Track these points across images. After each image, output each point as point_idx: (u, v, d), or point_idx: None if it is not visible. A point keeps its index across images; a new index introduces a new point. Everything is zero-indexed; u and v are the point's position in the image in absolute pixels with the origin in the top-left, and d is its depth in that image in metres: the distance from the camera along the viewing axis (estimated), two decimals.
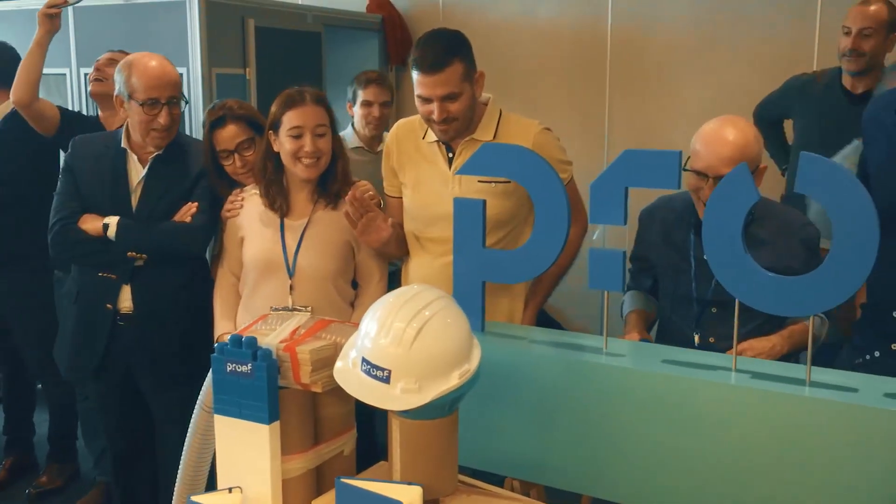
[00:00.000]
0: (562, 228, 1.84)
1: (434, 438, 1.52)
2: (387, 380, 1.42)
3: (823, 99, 3.17)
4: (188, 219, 2.54)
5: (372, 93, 3.41)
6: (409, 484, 1.39)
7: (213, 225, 2.56)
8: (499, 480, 1.90)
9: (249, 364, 1.47)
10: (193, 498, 1.46)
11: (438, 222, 2.32)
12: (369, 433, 2.54)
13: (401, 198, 2.47)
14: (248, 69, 3.61)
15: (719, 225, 1.67)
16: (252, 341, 1.49)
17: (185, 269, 2.61)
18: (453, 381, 1.44)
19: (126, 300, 2.57)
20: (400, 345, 1.41)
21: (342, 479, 1.40)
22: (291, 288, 2.36)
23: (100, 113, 3.28)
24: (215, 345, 1.52)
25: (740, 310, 2.14)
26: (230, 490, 1.50)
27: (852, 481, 1.53)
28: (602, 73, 4.41)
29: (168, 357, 2.58)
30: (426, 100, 2.21)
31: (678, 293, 2.20)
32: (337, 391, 1.61)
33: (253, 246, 2.41)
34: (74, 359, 2.68)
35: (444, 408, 1.50)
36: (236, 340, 1.50)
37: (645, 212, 2.37)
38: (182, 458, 1.71)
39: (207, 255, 2.68)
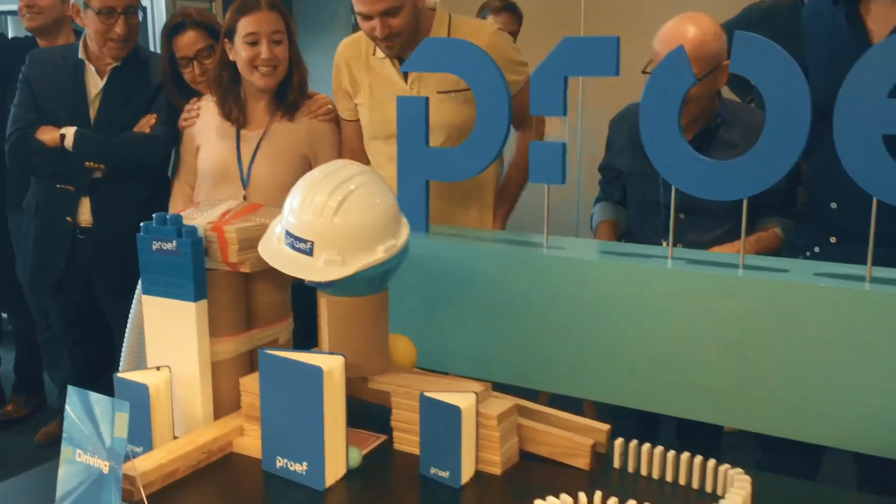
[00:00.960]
0: (502, 125, 1.83)
1: (362, 316, 1.51)
2: (310, 252, 1.41)
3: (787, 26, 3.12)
4: (147, 130, 2.52)
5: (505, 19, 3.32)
6: (332, 354, 1.39)
7: (172, 137, 2.54)
8: None
9: (174, 241, 1.46)
10: (119, 374, 1.45)
11: None
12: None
13: (357, 121, 2.43)
14: None
15: (656, 110, 1.66)
16: (177, 219, 1.48)
17: (144, 182, 2.60)
18: (378, 254, 1.43)
19: (85, 213, 2.57)
20: (322, 216, 1.40)
21: (264, 350, 1.39)
22: (245, 199, 2.34)
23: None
24: (141, 224, 1.51)
25: (707, 216, 2.14)
26: (158, 368, 1.49)
27: (784, 355, 1.54)
28: None
29: (127, 271, 2.56)
30: (366, 16, 2.15)
31: (646, 200, 2.19)
32: (271, 279, 1.61)
33: (208, 156, 2.39)
34: (35, 273, 2.67)
35: (371, 284, 1.49)
36: (161, 219, 1.48)
37: (614, 120, 2.35)
38: (122, 349, 1.72)
39: (170, 173, 2.66)
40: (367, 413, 1.54)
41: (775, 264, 1.66)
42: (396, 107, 1.94)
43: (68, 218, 2.55)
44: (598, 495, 1.25)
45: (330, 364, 1.35)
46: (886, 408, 1.45)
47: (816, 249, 1.97)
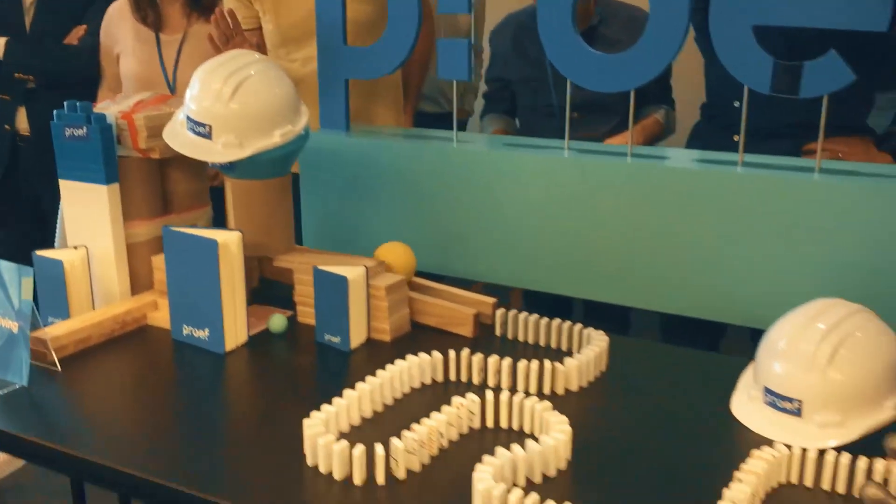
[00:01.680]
0: (413, 23, 1.90)
1: (265, 198, 1.62)
2: (208, 135, 1.50)
3: None
4: (75, 41, 2.56)
5: None
6: (230, 230, 1.50)
7: (98, 48, 2.57)
8: None
9: (84, 127, 1.55)
10: (37, 252, 1.56)
11: (310, 38, 2.31)
12: None
13: (259, 28, 2.37)
14: None
15: (551, 8, 1.74)
16: (87, 106, 1.57)
17: (79, 93, 2.64)
18: (274, 139, 1.53)
19: (23, 121, 2.63)
20: (218, 101, 1.49)
21: (167, 227, 1.50)
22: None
23: None
24: (54, 112, 1.60)
25: (599, 112, 2.24)
26: (76, 248, 1.60)
27: (667, 236, 1.65)
28: None
29: None
30: None
31: (538, 105, 2.27)
32: (186, 168, 1.71)
33: (130, 62, 2.43)
34: None
35: (274, 168, 1.59)
36: (72, 106, 1.57)
37: (493, 31, 2.41)
38: (55, 242, 1.82)
39: None
40: (278, 290, 1.67)
41: (658, 153, 1.76)
42: (316, 7, 2.00)
43: (7, 126, 2.61)
44: (477, 356, 1.37)
45: (226, 238, 1.46)
46: (752, 282, 1.58)
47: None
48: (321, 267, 1.50)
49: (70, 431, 1.25)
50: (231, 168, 1.56)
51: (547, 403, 1.20)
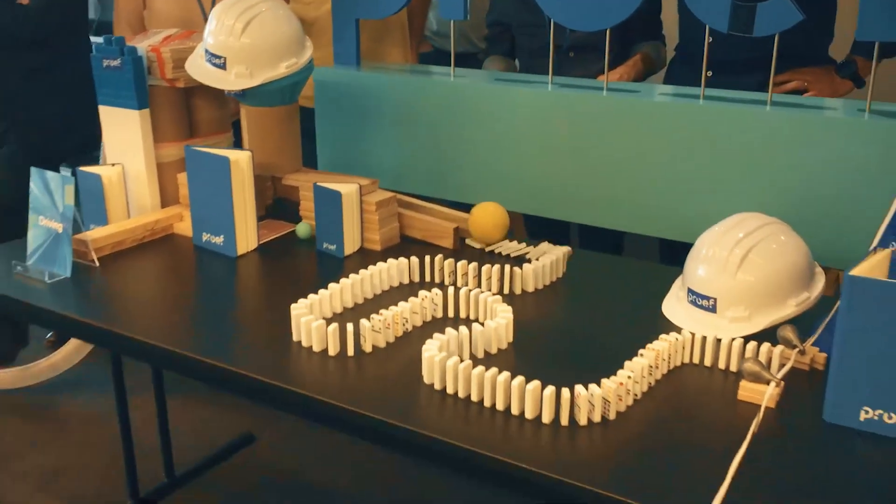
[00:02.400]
0: None
1: (275, 123, 1.83)
2: (223, 66, 1.72)
3: None
4: (26, 0, 2.55)
5: None
6: (242, 150, 1.72)
7: (48, 7, 2.55)
8: None
9: (118, 59, 1.78)
10: (81, 168, 1.81)
11: None
12: None
13: None
14: None
15: None
16: (120, 40, 1.79)
17: (33, 52, 2.62)
18: (280, 70, 1.74)
19: None
20: (231, 35, 1.70)
21: (189, 146, 1.73)
22: None
23: None
24: (93, 44, 1.82)
25: (591, 51, 2.39)
26: (113, 165, 1.84)
27: (641, 163, 1.83)
28: None
29: (54, 135, 2.71)
30: None
31: (535, 47, 2.42)
32: (209, 97, 1.93)
33: (167, 3, 2.50)
34: None
35: (282, 96, 1.81)
36: (108, 40, 1.80)
37: None
38: None
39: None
40: (289, 207, 1.90)
41: (632, 87, 1.93)
42: None
43: None
44: (448, 261, 1.58)
45: (238, 156, 1.68)
46: (708, 204, 1.75)
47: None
48: (320, 184, 1.72)
49: (108, 314, 1.51)
50: (243, 96, 1.77)
51: (497, 297, 1.41)
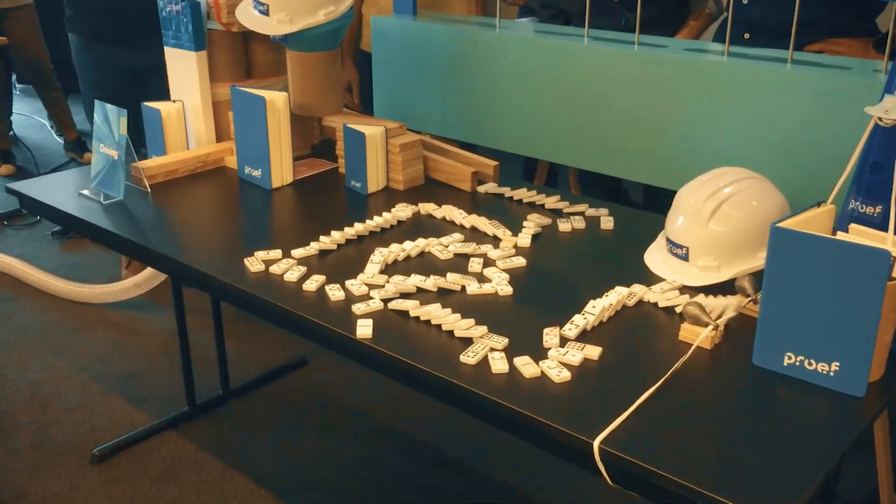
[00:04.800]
0: None
1: (316, 68, 1.97)
2: (266, 13, 1.87)
3: None
4: None
5: None
6: (281, 91, 1.87)
7: None
8: None
9: (179, 4, 1.96)
10: (145, 104, 2.01)
11: None
12: None
13: None
14: None
15: None
16: None
17: None
18: (319, 17, 1.87)
19: None
20: None
21: (234, 86, 1.89)
22: None
23: None
24: None
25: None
26: (174, 101, 2.03)
27: (652, 113, 1.88)
28: None
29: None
30: None
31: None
32: (266, 42, 2.08)
33: None
34: None
35: (324, 42, 1.94)
36: None
37: None
38: None
39: None
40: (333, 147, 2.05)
41: (659, 42, 1.96)
42: None
43: None
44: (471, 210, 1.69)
45: (273, 97, 1.84)
46: (715, 156, 1.78)
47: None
48: (349, 125, 1.85)
49: (151, 234, 1.70)
50: (285, 40, 1.92)
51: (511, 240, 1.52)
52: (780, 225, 1.11)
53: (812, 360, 1.12)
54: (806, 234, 1.09)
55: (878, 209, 1.21)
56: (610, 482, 1.02)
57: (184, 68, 2.03)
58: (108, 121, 1.82)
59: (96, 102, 1.86)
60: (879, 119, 1.19)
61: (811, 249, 1.08)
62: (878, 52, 1.97)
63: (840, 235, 1.15)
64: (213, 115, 2.07)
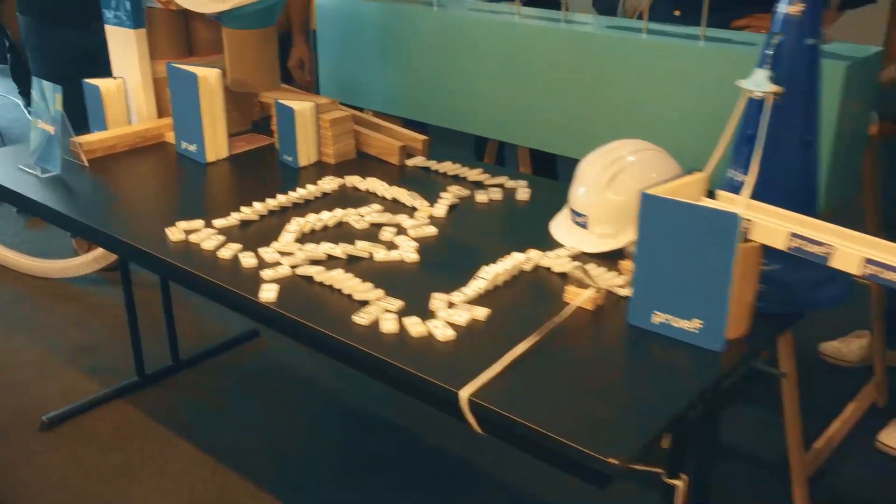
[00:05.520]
0: None
1: (251, 45, 2.02)
2: None
3: None
4: None
5: None
6: (212, 68, 1.93)
7: None
8: None
9: None
10: (86, 80, 2.06)
11: None
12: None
13: None
14: None
15: None
16: None
17: None
18: None
19: None
20: None
21: (170, 63, 1.95)
22: None
23: None
24: None
25: None
26: (115, 78, 2.08)
27: (575, 88, 1.94)
28: None
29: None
30: None
31: None
32: (207, 20, 2.14)
33: None
34: None
35: (259, 20, 1.99)
36: None
37: None
38: None
39: None
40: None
41: (585, 19, 2.02)
42: None
43: None
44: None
45: (206, 73, 1.89)
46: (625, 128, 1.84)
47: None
48: (280, 101, 1.91)
49: (84, 207, 1.76)
50: (220, 18, 1.97)
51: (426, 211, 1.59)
52: (648, 191, 1.18)
53: (677, 318, 1.20)
54: (668, 199, 1.16)
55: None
56: (480, 431, 1.10)
57: (124, 46, 2.08)
58: (45, 97, 1.88)
59: (34, 79, 1.91)
60: (751, 92, 1.25)
61: (673, 214, 1.15)
62: None
63: (703, 201, 1.22)
64: (153, 91, 2.12)
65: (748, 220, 1.16)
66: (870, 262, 1.07)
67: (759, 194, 1.24)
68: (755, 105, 1.25)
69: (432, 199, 1.71)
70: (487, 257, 1.44)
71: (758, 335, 1.23)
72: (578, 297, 1.29)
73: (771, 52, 1.23)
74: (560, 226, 1.56)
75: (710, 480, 1.49)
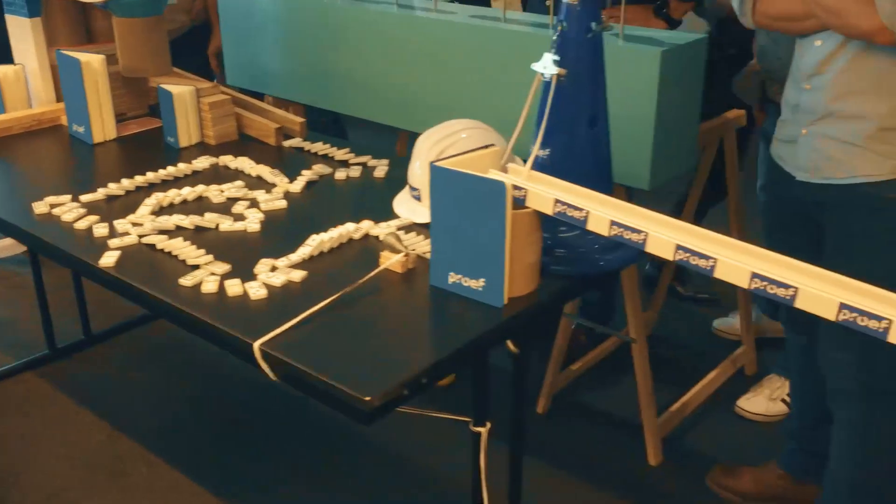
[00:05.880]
0: None
1: (142, 32, 2.13)
2: None
3: None
4: None
5: None
6: (97, 54, 2.04)
7: None
8: None
9: None
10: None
11: None
12: None
13: None
14: None
15: None
16: None
17: None
18: None
19: None
20: None
21: (58, 51, 2.06)
22: None
23: None
24: None
25: None
26: (15, 64, 2.19)
27: (430, 72, 2.06)
28: None
29: None
30: None
31: None
32: (104, 9, 2.25)
33: None
34: None
35: (145, 7, 2.11)
36: None
37: None
38: None
39: None
40: None
41: (452, 9, 2.14)
42: None
43: None
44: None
45: (89, 59, 2.01)
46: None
47: None
48: (162, 85, 2.03)
49: None
50: (108, 7, 2.09)
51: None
52: (436, 163, 1.31)
53: (467, 279, 1.32)
54: (451, 169, 1.28)
55: (548, 151, 1.41)
56: (273, 377, 1.22)
57: (22, 34, 2.19)
58: None
59: None
60: (542, 74, 1.38)
61: (457, 183, 1.28)
62: (657, 18, 2.17)
63: (490, 173, 1.34)
64: (51, 77, 2.23)
65: (523, 188, 1.29)
66: (615, 223, 1.20)
67: (556, 167, 1.37)
68: (546, 86, 1.38)
69: (295, 176, 1.83)
70: (324, 228, 1.56)
71: (545, 293, 1.35)
72: (388, 261, 1.41)
73: (555, 38, 1.36)
74: (401, 200, 1.69)
75: (523, 430, 1.63)
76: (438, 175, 1.30)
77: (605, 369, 2.49)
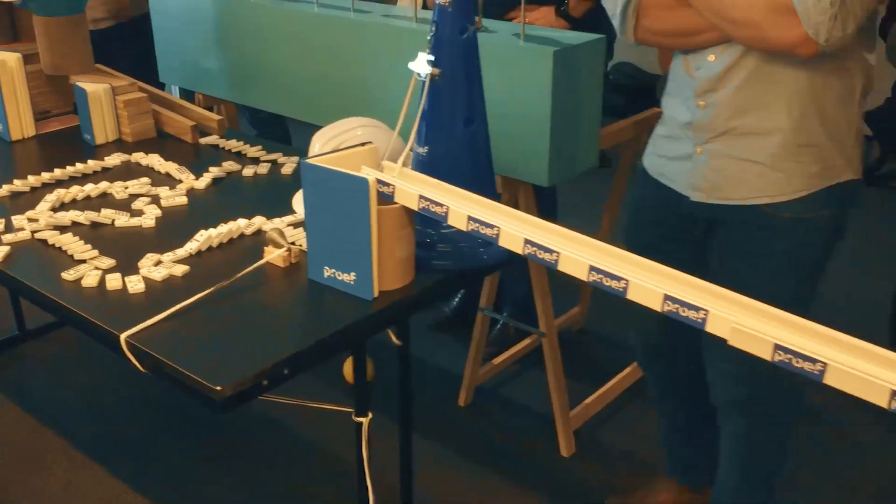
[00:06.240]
0: None
1: (63, 30, 2.15)
2: None
3: None
4: None
5: None
6: (15, 53, 2.06)
7: None
8: None
9: None
10: None
11: None
12: None
13: None
14: None
15: None
16: None
17: None
18: None
19: None
20: None
21: None
22: None
23: None
24: None
25: None
26: None
27: (337, 67, 2.10)
28: None
29: None
30: None
31: None
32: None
33: None
34: None
35: (68, 6, 2.13)
36: None
37: None
38: None
39: None
40: None
41: (369, 8, 2.17)
42: None
43: None
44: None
45: (5, 57, 2.03)
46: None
47: None
48: (78, 83, 2.05)
49: None
50: (26, 5, 2.11)
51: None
52: (307, 160, 1.34)
53: (340, 273, 1.35)
54: (319, 166, 1.31)
55: (426, 149, 1.44)
56: (141, 369, 1.25)
57: None
58: None
59: None
60: (417, 74, 1.41)
61: (326, 180, 1.31)
62: (558, 19, 2.20)
63: (363, 171, 1.37)
64: None
65: (391, 185, 1.32)
66: (472, 219, 1.23)
67: (435, 165, 1.41)
68: (422, 85, 1.41)
69: (202, 173, 1.85)
70: (218, 224, 1.59)
71: (419, 286, 1.39)
72: (269, 255, 1.44)
73: (430, 39, 1.39)
74: (300, 197, 1.72)
75: (410, 421, 1.66)
76: (309, 171, 1.33)
77: (530, 362, 2.53)
